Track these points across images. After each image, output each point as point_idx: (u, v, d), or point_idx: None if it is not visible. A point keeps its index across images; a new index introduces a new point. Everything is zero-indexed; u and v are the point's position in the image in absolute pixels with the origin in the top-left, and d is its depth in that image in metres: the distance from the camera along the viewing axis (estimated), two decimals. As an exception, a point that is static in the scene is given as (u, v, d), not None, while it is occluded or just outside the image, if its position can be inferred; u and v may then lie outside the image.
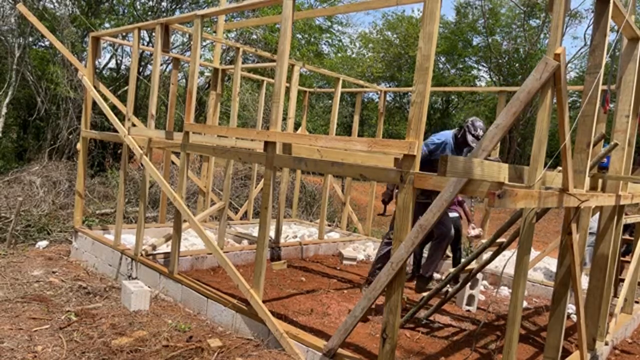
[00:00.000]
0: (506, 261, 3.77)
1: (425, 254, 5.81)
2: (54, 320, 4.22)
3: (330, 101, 20.21)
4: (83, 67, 6.59)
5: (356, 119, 8.75)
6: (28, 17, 6.52)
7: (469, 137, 4.50)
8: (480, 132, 4.48)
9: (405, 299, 5.40)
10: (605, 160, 4.07)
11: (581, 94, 4.13)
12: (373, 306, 4.05)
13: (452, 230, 5.10)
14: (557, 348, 3.31)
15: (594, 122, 3.17)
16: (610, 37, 3.27)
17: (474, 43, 22.74)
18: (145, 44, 11.81)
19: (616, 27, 3.48)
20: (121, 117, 6.10)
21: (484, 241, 4.77)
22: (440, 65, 23.57)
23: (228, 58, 13.13)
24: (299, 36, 14.74)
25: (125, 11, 12.88)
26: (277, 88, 4.03)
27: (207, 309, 4.59)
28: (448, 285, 4.76)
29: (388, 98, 23.59)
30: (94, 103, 6.43)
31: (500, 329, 4.85)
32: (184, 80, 14.06)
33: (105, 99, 6.90)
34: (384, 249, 5.05)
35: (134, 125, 5.81)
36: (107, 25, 12.31)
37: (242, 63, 7.38)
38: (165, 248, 5.77)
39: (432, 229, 3.24)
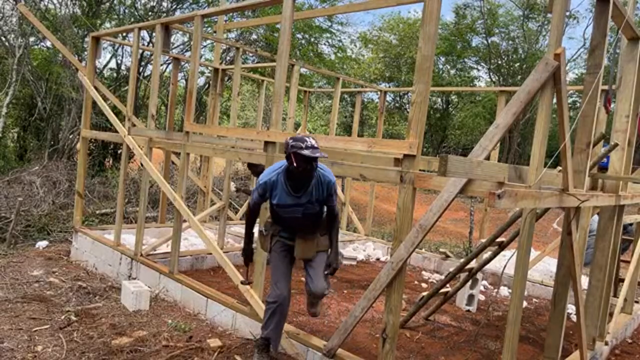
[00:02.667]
0: (506, 261, 3.77)
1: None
2: (54, 320, 4.22)
3: (330, 101, 20.24)
4: (83, 67, 6.59)
5: (356, 119, 8.75)
6: (28, 17, 6.53)
7: (305, 152, 3.12)
8: (312, 141, 3.19)
9: (406, 299, 5.40)
10: (605, 160, 4.07)
11: (581, 94, 4.13)
12: None
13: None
14: (557, 348, 3.31)
15: (594, 122, 3.17)
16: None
17: (473, 44, 22.74)
18: (146, 44, 11.80)
19: (616, 27, 3.48)
20: (121, 117, 6.10)
21: (483, 240, 4.77)
22: (440, 66, 23.56)
23: (228, 58, 13.14)
24: (299, 36, 14.73)
25: (126, 11, 12.88)
26: (277, 88, 4.03)
27: (207, 309, 4.59)
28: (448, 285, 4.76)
29: (388, 98, 23.59)
30: (95, 103, 6.43)
31: (500, 329, 4.85)
32: (184, 81, 14.05)
33: (106, 99, 6.90)
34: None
35: (134, 125, 5.81)
36: (107, 25, 12.30)
37: (242, 63, 7.38)
38: (165, 248, 5.77)
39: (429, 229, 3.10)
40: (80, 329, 4.09)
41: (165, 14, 12.40)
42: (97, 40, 6.31)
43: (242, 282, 4.01)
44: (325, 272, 3.57)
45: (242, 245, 7.64)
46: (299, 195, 3.40)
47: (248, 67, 10.53)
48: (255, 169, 6.12)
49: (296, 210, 3.45)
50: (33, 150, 11.57)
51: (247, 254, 3.74)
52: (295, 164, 3.19)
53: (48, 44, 11.67)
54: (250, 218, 3.68)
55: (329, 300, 5.27)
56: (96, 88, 6.30)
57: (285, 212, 3.46)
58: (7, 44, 10.75)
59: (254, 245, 3.77)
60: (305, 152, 3.13)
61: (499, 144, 3.90)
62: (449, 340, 4.47)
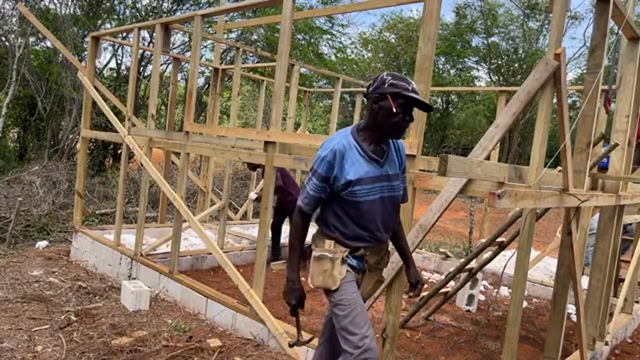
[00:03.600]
0: (506, 261, 3.77)
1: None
2: (53, 320, 4.22)
3: (330, 101, 20.23)
4: (83, 67, 6.59)
5: (356, 118, 8.75)
6: (28, 17, 6.52)
7: (414, 95, 2.25)
8: (414, 84, 2.31)
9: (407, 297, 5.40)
10: (605, 160, 4.07)
11: (581, 94, 4.13)
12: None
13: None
14: (557, 348, 3.31)
15: (594, 122, 3.17)
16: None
17: (473, 44, 22.76)
18: (146, 44, 11.81)
19: (616, 27, 3.48)
20: (121, 117, 6.10)
21: (483, 240, 4.76)
22: (440, 66, 23.57)
23: (228, 58, 13.14)
24: (299, 37, 14.74)
25: (127, 12, 12.89)
26: (277, 88, 4.03)
27: (207, 309, 4.59)
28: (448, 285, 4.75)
29: (388, 98, 23.51)
30: (95, 103, 6.43)
31: (500, 329, 4.85)
32: (183, 81, 14.06)
33: (106, 99, 6.90)
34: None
35: (134, 125, 5.81)
36: (108, 25, 12.31)
37: (242, 63, 7.38)
38: (165, 248, 5.77)
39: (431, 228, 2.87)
40: (80, 329, 4.09)
41: (165, 15, 12.40)
42: (97, 40, 6.30)
43: (293, 344, 2.61)
44: (410, 294, 2.63)
45: (242, 245, 7.51)
46: (382, 162, 2.36)
47: (248, 67, 10.53)
48: (253, 164, 6.18)
49: (383, 189, 2.35)
50: (33, 150, 11.58)
51: (299, 294, 2.44)
52: (394, 110, 2.22)
53: (48, 44, 11.68)
54: (300, 231, 2.41)
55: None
56: (96, 88, 6.30)
57: (367, 194, 2.31)
58: (7, 44, 10.75)
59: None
60: (414, 95, 2.25)
61: (499, 144, 3.90)
62: (449, 340, 4.47)
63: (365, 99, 2.30)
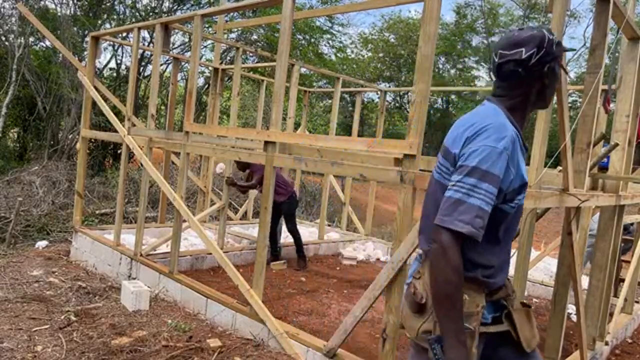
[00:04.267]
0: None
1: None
2: (53, 320, 4.22)
3: (330, 101, 20.23)
4: (83, 67, 6.59)
5: (356, 118, 8.75)
6: (28, 17, 6.52)
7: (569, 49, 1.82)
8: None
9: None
10: (605, 160, 4.07)
11: (581, 93, 4.12)
12: None
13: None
14: (557, 348, 3.31)
15: (594, 122, 3.17)
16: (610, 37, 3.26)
17: (473, 44, 22.76)
18: (146, 44, 11.81)
19: (616, 27, 3.48)
20: (121, 117, 6.10)
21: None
22: (440, 66, 23.57)
23: (228, 58, 13.14)
24: (299, 37, 14.74)
25: (127, 12, 12.89)
26: (277, 88, 4.03)
27: (206, 309, 4.58)
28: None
29: (388, 98, 23.59)
30: (94, 103, 6.43)
31: (500, 329, 4.84)
32: (183, 81, 14.06)
33: (105, 98, 6.90)
34: None
35: (133, 125, 5.81)
36: (108, 25, 12.31)
37: (242, 63, 7.38)
38: (165, 248, 5.77)
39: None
40: (80, 329, 4.09)
41: (165, 14, 12.41)
42: (97, 40, 6.30)
43: None
44: None
45: (242, 245, 7.50)
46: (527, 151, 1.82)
47: (248, 67, 10.53)
48: (243, 163, 6.28)
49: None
50: (33, 150, 11.58)
51: None
52: (564, 73, 1.69)
53: (48, 43, 11.68)
54: (461, 273, 1.49)
55: (329, 300, 5.26)
56: (96, 88, 6.30)
57: (521, 200, 1.74)
58: (7, 43, 10.75)
59: None
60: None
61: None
62: (449, 340, 4.46)
63: (516, 72, 1.68)
